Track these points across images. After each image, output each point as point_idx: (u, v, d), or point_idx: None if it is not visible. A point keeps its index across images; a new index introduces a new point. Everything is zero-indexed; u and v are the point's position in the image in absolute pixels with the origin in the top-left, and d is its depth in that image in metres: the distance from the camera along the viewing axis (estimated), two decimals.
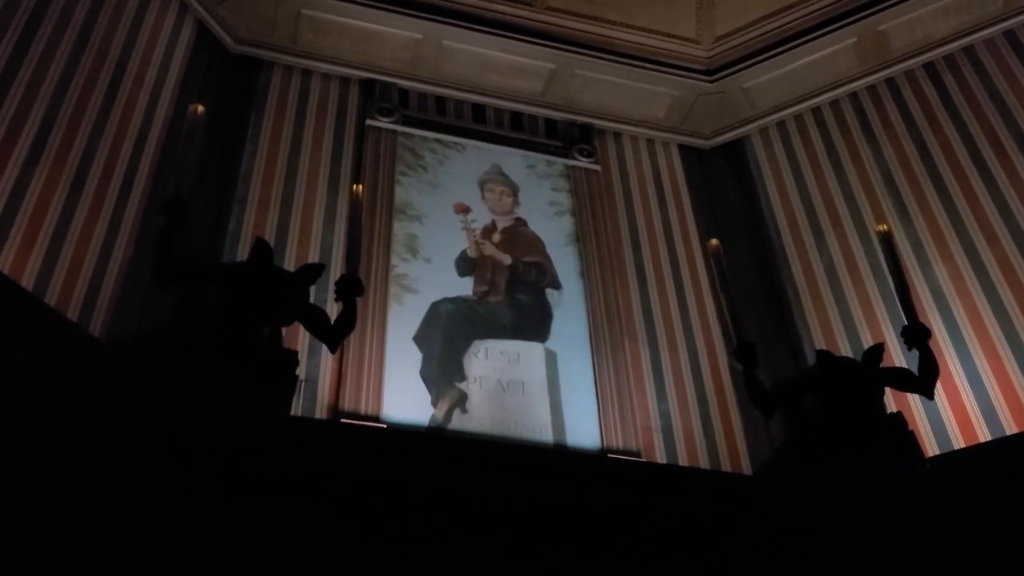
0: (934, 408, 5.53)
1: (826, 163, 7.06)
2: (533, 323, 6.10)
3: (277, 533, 4.34)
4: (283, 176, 6.24)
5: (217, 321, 3.82)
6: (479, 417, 5.50)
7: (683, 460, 5.75)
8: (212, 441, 3.87)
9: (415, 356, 5.66)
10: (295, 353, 3.97)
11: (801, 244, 6.80)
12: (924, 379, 4.26)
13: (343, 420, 5.19)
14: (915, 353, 4.29)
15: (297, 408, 5.08)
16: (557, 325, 6.14)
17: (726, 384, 6.18)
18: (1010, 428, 5.32)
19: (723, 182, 7.50)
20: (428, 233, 6.31)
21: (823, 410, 4.35)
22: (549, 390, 5.77)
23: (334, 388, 5.36)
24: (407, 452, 4.98)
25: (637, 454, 5.62)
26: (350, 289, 4.03)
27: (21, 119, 4.91)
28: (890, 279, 4.80)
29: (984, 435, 5.39)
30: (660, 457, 5.72)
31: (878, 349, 4.43)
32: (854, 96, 7.26)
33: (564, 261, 6.53)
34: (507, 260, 6.37)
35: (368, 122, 6.77)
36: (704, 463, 5.76)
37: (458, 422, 5.44)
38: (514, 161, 7.05)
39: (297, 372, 3.97)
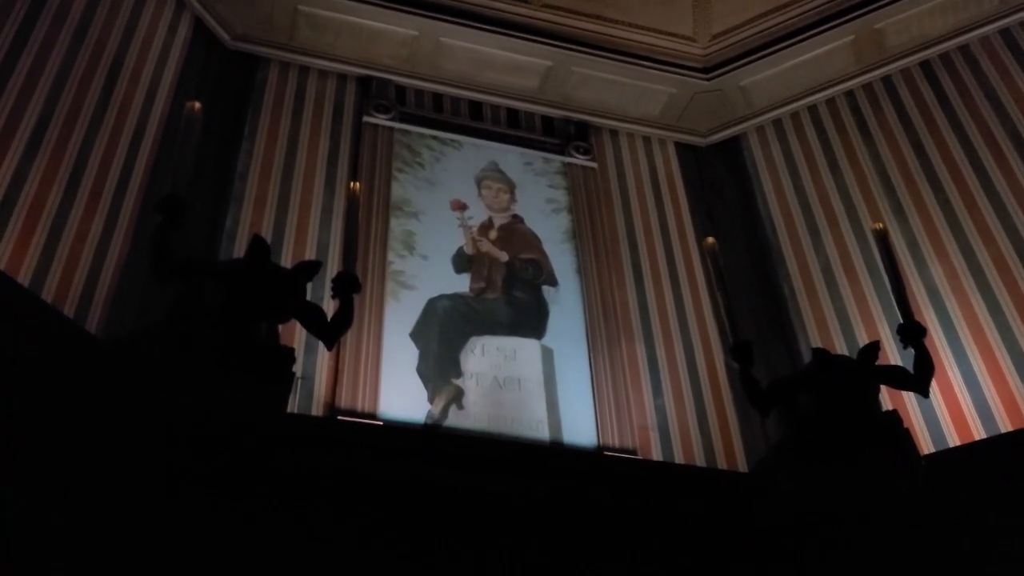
0: (929, 406, 5.55)
1: (822, 161, 7.07)
2: (530, 320, 6.11)
3: (274, 530, 4.34)
4: (280, 173, 6.24)
5: (214, 318, 3.81)
6: (475, 413, 5.51)
7: (679, 458, 5.76)
8: (209, 438, 3.87)
9: (412, 352, 5.67)
10: (292, 350, 3.97)
11: (797, 242, 6.81)
12: (919, 377, 4.27)
13: (339, 417, 5.20)
14: (911, 351, 4.30)
15: (294, 405, 5.08)
16: (554, 322, 6.14)
17: (722, 382, 6.19)
18: (1005, 426, 5.33)
19: (719, 180, 7.51)
20: (425, 230, 6.32)
21: (819, 408, 4.36)
22: (545, 387, 5.78)
23: (331, 385, 5.37)
24: (403, 449, 4.98)
25: (633, 452, 5.63)
26: (347, 286, 4.03)
27: (17, 115, 4.90)
28: (886, 277, 4.81)
29: (979, 433, 5.41)
30: (656, 455, 5.73)
31: (873, 347, 4.43)
32: (850, 95, 7.27)
33: (561, 258, 6.54)
34: (504, 257, 6.37)
35: (365, 119, 6.77)
36: (700, 461, 5.77)
37: (454, 418, 5.45)
38: (511, 158, 7.06)
39: (294, 369, 3.97)
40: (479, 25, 7.05)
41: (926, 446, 5.46)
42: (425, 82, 7.25)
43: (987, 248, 5.95)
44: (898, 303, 4.37)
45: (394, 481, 4.71)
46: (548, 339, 6.03)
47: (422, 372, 5.59)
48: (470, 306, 6.02)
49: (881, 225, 4.68)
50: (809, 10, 7.16)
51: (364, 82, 7.07)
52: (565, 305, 6.26)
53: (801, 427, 4.41)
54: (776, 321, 6.54)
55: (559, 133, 7.41)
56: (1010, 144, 6.24)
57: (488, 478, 4.88)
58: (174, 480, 3.88)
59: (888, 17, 6.95)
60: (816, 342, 6.16)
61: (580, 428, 5.64)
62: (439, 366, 5.65)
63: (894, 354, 5.63)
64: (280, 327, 4.02)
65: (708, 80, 7.48)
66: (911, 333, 4.26)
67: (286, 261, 5.63)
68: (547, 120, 7.51)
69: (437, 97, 7.27)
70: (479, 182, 6.78)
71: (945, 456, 5.35)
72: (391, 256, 6.06)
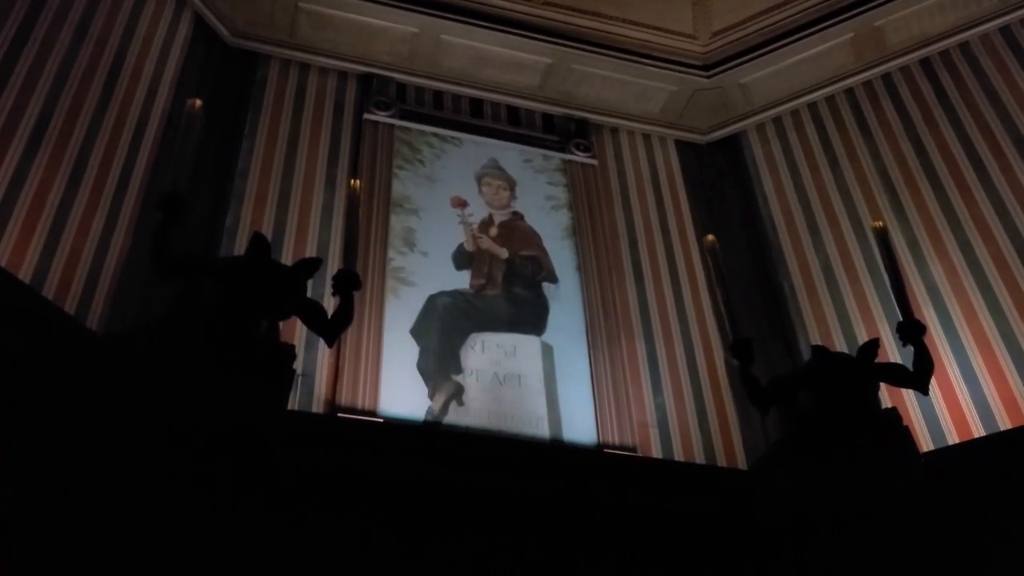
0: (929, 404, 5.55)
1: (822, 159, 7.07)
2: (530, 317, 6.12)
3: (273, 528, 4.35)
4: (280, 171, 6.24)
5: (215, 315, 3.82)
6: (475, 410, 5.52)
7: (679, 455, 5.77)
8: (209, 435, 3.87)
9: (412, 349, 5.67)
10: (292, 347, 3.98)
11: (797, 240, 6.81)
12: (919, 375, 4.28)
13: (340, 415, 5.20)
14: (910, 349, 4.31)
15: (294, 403, 5.09)
16: (554, 319, 6.15)
17: (722, 380, 6.19)
18: (1004, 423, 5.34)
19: (719, 178, 7.51)
20: (425, 227, 6.32)
21: (818, 406, 4.37)
22: (545, 383, 5.79)
23: (331, 382, 5.37)
24: (404, 447, 4.98)
25: (633, 449, 5.64)
26: (347, 284, 4.04)
27: (18, 112, 4.90)
28: (886, 275, 4.81)
29: (978, 431, 5.41)
30: (656, 452, 5.74)
31: (873, 344, 4.44)
32: (850, 92, 7.28)
33: (561, 255, 6.54)
34: (504, 254, 6.38)
35: (365, 116, 6.77)
36: (700, 459, 5.78)
37: (454, 415, 5.46)
38: (511, 155, 7.06)
39: (294, 366, 3.97)
40: (480, 22, 7.06)
41: (925, 444, 5.47)
42: (425, 79, 7.25)
43: (986, 246, 5.95)
44: (898, 301, 4.38)
45: (394, 479, 4.72)
46: (548, 336, 6.04)
47: (422, 369, 5.60)
48: (470, 303, 6.03)
49: (881, 223, 4.69)
50: (809, 7, 7.16)
51: (365, 79, 7.07)
52: (565, 302, 6.27)
53: (801, 424, 4.42)
54: (776, 319, 6.55)
55: (559, 130, 7.42)
56: (1010, 142, 6.24)
57: (488, 476, 4.89)
58: (174, 478, 3.89)
59: (888, 15, 6.95)
60: (816, 340, 6.17)
61: (580, 425, 5.65)
62: (439, 363, 5.66)
63: (894, 352, 5.63)
64: (280, 324, 4.03)
65: (708, 77, 7.49)
66: (911, 331, 4.27)
67: (287, 258, 5.64)
68: (547, 117, 7.51)
69: (437, 94, 7.27)
70: (479, 179, 6.79)
71: (944, 454, 5.36)
72: (391, 253, 6.07)
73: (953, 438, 5.47)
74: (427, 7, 6.92)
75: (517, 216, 6.68)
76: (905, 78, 7.06)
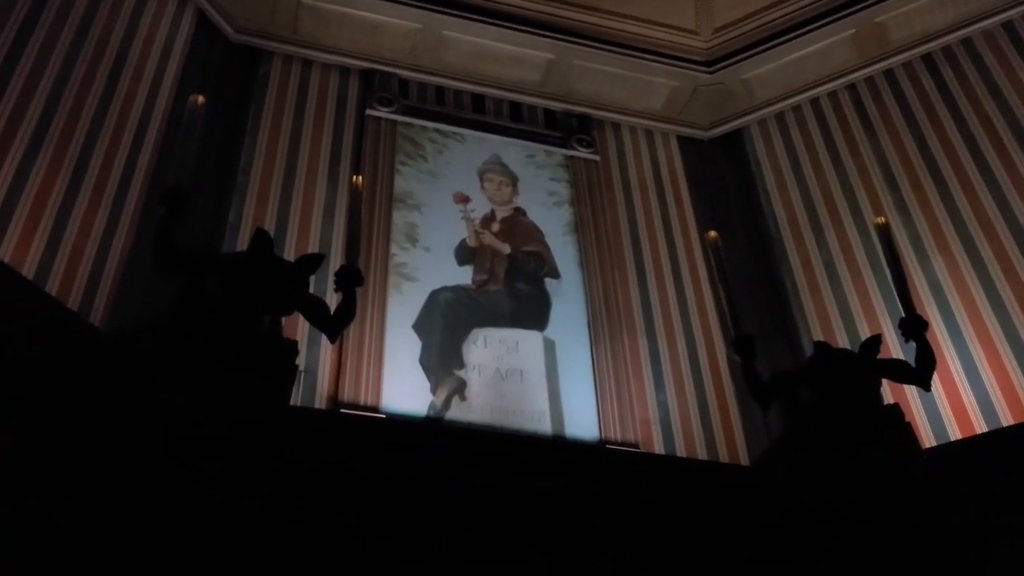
0: (931, 400, 5.55)
1: (824, 155, 7.07)
2: (532, 312, 6.13)
3: (275, 524, 4.35)
4: (283, 167, 6.25)
5: (217, 312, 3.82)
6: (478, 405, 5.53)
7: (681, 451, 5.77)
8: (211, 431, 3.87)
9: (414, 344, 5.69)
10: (295, 343, 3.98)
11: (799, 236, 6.81)
12: (921, 371, 4.28)
13: (343, 410, 5.21)
14: (912, 345, 4.31)
15: (297, 399, 5.10)
16: (556, 314, 6.16)
17: (724, 376, 6.20)
18: (1006, 420, 5.34)
19: (722, 173, 7.52)
20: (428, 222, 6.33)
21: (820, 402, 4.37)
22: (547, 378, 5.80)
23: (333, 378, 5.38)
24: (406, 443, 4.99)
25: (635, 445, 5.64)
26: (350, 280, 4.04)
27: (21, 111, 4.91)
28: (888, 272, 4.81)
29: (980, 427, 5.42)
30: (658, 448, 5.74)
31: (875, 341, 4.44)
32: (852, 88, 7.27)
33: (563, 251, 6.55)
34: (506, 249, 6.38)
35: (368, 112, 6.78)
36: (702, 454, 5.78)
37: (457, 409, 5.47)
38: (513, 151, 7.07)
39: (297, 362, 3.98)
40: (481, 18, 7.06)
41: (927, 439, 5.47)
42: (428, 75, 7.26)
43: (989, 242, 5.95)
44: (900, 297, 4.37)
45: (396, 474, 4.73)
46: (550, 331, 6.05)
47: (425, 363, 5.61)
48: (472, 298, 6.04)
49: (883, 219, 4.69)
50: (811, 3, 7.17)
51: (367, 75, 7.08)
52: (567, 297, 6.28)
53: (802, 420, 4.42)
54: (778, 315, 6.55)
55: (561, 126, 7.42)
56: (1012, 137, 6.24)
57: (491, 472, 4.89)
58: (176, 475, 3.89)
59: (890, 10, 6.96)
60: (818, 335, 6.16)
61: (582, 420, 5.66)
62: (442, 357, 5.67)
63: (896, 348, 5.64)
64: (283, 320, 4.03)
65: (710, 73, 7.49)
66: (913, 327, 4.27)
67: (289, 254, 5.64)
68: (549, 113, 7.51)
69: (440, 90, 7.27)
70: (481, 175, 6.79)
71: (946, 449, 5.36)
72: (394, 248, 6.07)
73: (955, 434, 5.48)
74: (429, 3, 6.93)
75: (519, 212, 6.68)
76: (907, 74, 7.06)
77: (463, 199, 6.57)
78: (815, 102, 7.40)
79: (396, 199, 6.35)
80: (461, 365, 5.69)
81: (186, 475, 3.87)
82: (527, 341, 5.96)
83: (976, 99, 6.58)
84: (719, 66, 7.47)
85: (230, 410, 3.77)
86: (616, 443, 5.60)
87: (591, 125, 7.50)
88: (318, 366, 5.40)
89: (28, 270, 4.57)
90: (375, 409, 5.28)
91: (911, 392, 5.50)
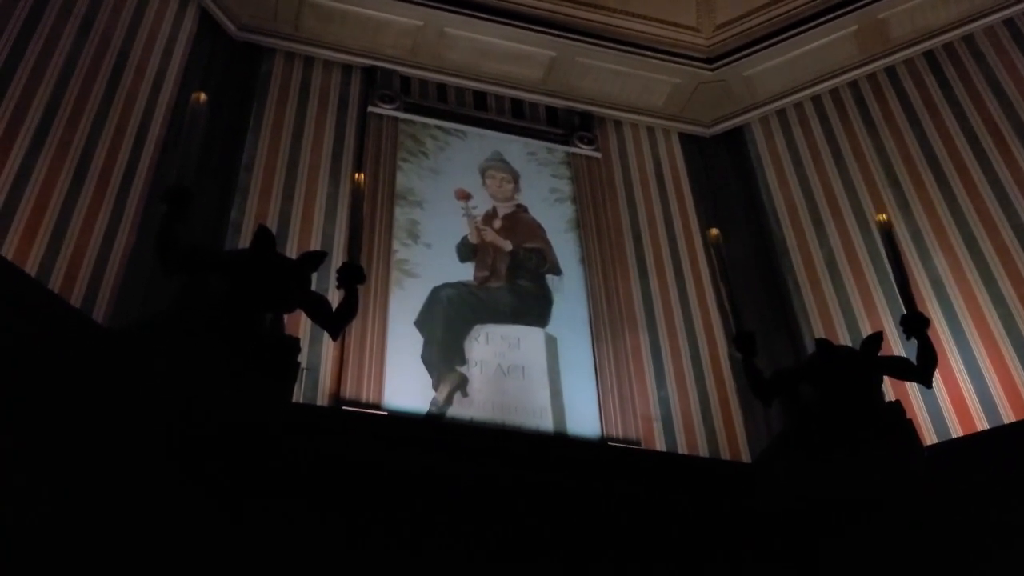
0: (932, 397, 5.55)
1: (826, 152, 7.07)
2: (533, 308, 6.13)
3: (277, 521, 4.36)
4: (285, 164, 6.25)
5: (219, 309, 3.83)
6: (480, 401, 5.54)
7: (682, 448, 5.78)
8: (214, 428, 3.88)
9: (416, 340, 5.69)
10: (297, 340, 3.98)
11: (801, 233, 6.81)
12: (922, 368, 4.27)
13: (344, 408, 5.22)
14: (914, 342, 4.31)
15: (299, 396, 5.11)
16: (557, 310, 6.17)
17: (726, 373, 6.20)
18: (1008, 417, 5.34)
19: (723, 171, 7.52)
20: (429, 219, 6.34)
21: (822, 399, 4.37)
22: (549, 375, 5.81)
23: (335, 376, 5.39)
24: (408, 439, 5.00)
25: (636, 442, 5.65)
26: (352, 277, 4.04)
27: (23, 108, 4.91)
28: (889, 269, 4.81)
29: (982, 424, 5.42)
30: (660, 445, 5.75)
31: (877, 338, 4.43)
32: (854, 85, 7.27)
33: (564, 248, 6.56)
34: (508, 246, 6.39)
35: (370, 109, 6.78)
36: (703, 452, 5.79)
37: (459, 405, 5.48)
38: (515, 148, 7.07)
39: (299, 360, 3.98)
40: (483, 15, 7.06)
41: (929, 437, 5.48)
42: (429, 72, 7.26)
43: (991, 239, 5.95)
44: (901, 294, 4.37)
45: (398, 471, 4.74)
46: (552, 327, 6.06)
47: (427, 360, 5.62)
48: (474, 294, 6.05)
49: (885, 217, 4.68)
50: (812, 0, 7.15)
51: (369, 72, 7.08)
52: (569, 294, 6.29)
53: (804, 417, 4.42)
54: (780, 312, 6.55)
55: (563, 123, 7.42)
56: (1014, 135, 6.24)
57: (493, 468, 4.91)
58: (178, 472, 3.90)
59: (891, 7, 6.95)
60: (820, 333, 6.16)
61: (583, 417, 5.67)
62: (443, 354, 5.68)
63: (898, 345, 5.64)
64: (285, 317, 4.04)
65: (712, 70, 7.49)
66: (914, 324, 4.26)
67: (291, 252, 5.65)
68: (551, 110, 7.52)
69: (441, 87, 7.28)
70: (483, 172, 6.80)
71: (948, 447, 5.37)
72: (396, 245, 6.08)
73: (956, 431, 5.48)
74: (431, 0, 6.92)
75: (521, 208, 6.69)
76: (909, 71, 7.06)
77: (465, 196, 6.58)
78: (817, 99, 7.40)
79: (398, 196, 6.36)
80: (463, 361, 5.70)
81: (188, 473, 3.88)
82: (529, 337, 5.96)
83: (978, 96, 6.58)
84: (721, 63, 7.47)
85: (232, 408, 3.78)
86: (617, 439, 5.60)
87: (593, 122, 7.51)
88: (320, 363, 5.41)
89: (31, 268, 4.57)
90: (377, 406, 5.29)
91: (912, 389, 5.50)
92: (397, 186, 6.40)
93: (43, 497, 3.80)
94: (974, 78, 6.68)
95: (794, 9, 7.23)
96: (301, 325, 5.22)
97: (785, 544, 4.83)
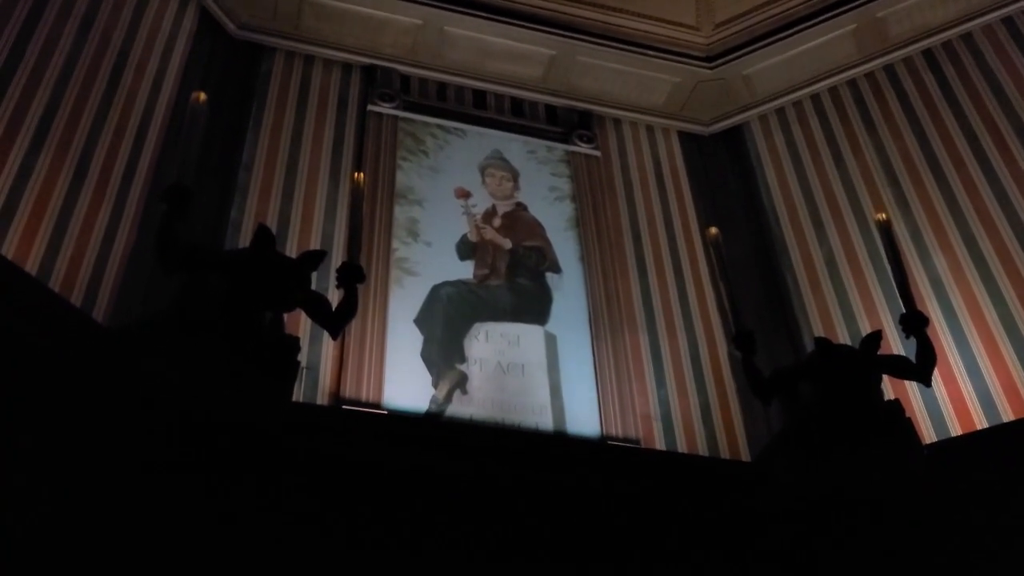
0: (931, 395, 5.56)
1: (825, 151, 7.07)
2: (533, 306, 6.14)
3: (277, 519, 4.37)
4: (285, 163, 6.26)
5: (219, 308, 3.83)
6: (479, 399, 5.55)
7: (682, 447, 5.78)
8: (213, 427, 3.89)
9: (416, 338, 5.70)
10: (297, 339, 3.98)
11: (800, 232, 6.81)
12: (922, 367, 4.27)
13: (344, 407, 5.22)
14: (913, 341, 4.31)
15: (299, 395, 5.11)
16: (557, 309, 6.17)
17: (725, 372, 6.20)
18: (1007, 415, 5.35)
19: (722, 169, 7.52)
20: (429, 217, 6.35)
21: (821, 397, 4.37)
22: (549, 373, 5.81)
23: (335, 375, 5.39)
24: (408, 438, 5.00)
25: (636, 441, 5.65)
26: (351, 276, 4.04)
27: (24, 107, 4.91)
28: (889, 268, 4.81)
29: (981, 422, 5.42)
30: (659, 444, 5.75)
31: (876, 336, 4.43)
32: (853, 83, 7.27)
33: (564, 246, 6.56)
34: (507, 244, 6.40)
35: (369, 108, 6.79)
36: (703, 451, 5.79)
37: (458, 404, 5.48)
38: (514, 147, 7.08)
39: (299, 359, 3.98)
40: (483, 14, 7.06)
41: (928, 435, 5.48)
42: (429, 71, 7.26)
43: (990, 238, 5.96)
44: (900, 293, 4.37)
45: (399, 470, 4.74)
46: (551, 326, 6.06)
47: (426, 358, 5.62)
48: (474, 292, 6.05)
49: (884, 216, 4.68)
50: None
51: (368, 71, 7.09)
52: (568, 292, 6.29)
53: (803, 416, 4.42)
54: (779, 311, 6.55)
55: (562, 122, 7.43)
56: (1013, 134, 6.24)
57: (492, 467, 4.91)
58: (179, 471, 3.90)
59: (890, 5, 6.95)
60: (819, 331, 6.17)
61: (583, 414, 5.68)
62: (443, 352, 5.69)
63: (897, 344, 5.65)
64: (285, 316, 4.04)
65: (711, 69, 7.49)
66: (913, 323, 4.26)
67: (291, 250, 5.66)
68: (551, 109, 7.52)
69: (441, 86, 7.28)
70: (483, 170, 6.80)
71: (947, 445, 5.37)
72: (395, 243, 6.09)
73: (956, 429, 5.48)
74: None
75: (520, 207, 6.69)
76: (908, 69, 7.06)
77: (464, 194, 6.59)
78: (816, 98, 7.40)
79: (397, 194, 6.36)
80: (463, 359, 5.71)
81: (188, 471, 3.89)
82: (528, 336, 5.97)
83: (976, 94, 6.58)
84: (720, 62, 7.47)
85: (232, 407, 3.78)
86: (617, 438, 5.61)
87: (592, 121, 7.51)
88: (320, 362, 5.41)
89: (31, 267, 4.57)
90: (377, 405, 5.29)
91: (912, 388, 5.50)
92: (397, 185, 6.40)
93: (43, 497, 3.81)
94: (973, 76, 6.68)
95: (793, 8, 7.23)
96: (301, 324, 5.22)
97: (785, 543, 4.84)
